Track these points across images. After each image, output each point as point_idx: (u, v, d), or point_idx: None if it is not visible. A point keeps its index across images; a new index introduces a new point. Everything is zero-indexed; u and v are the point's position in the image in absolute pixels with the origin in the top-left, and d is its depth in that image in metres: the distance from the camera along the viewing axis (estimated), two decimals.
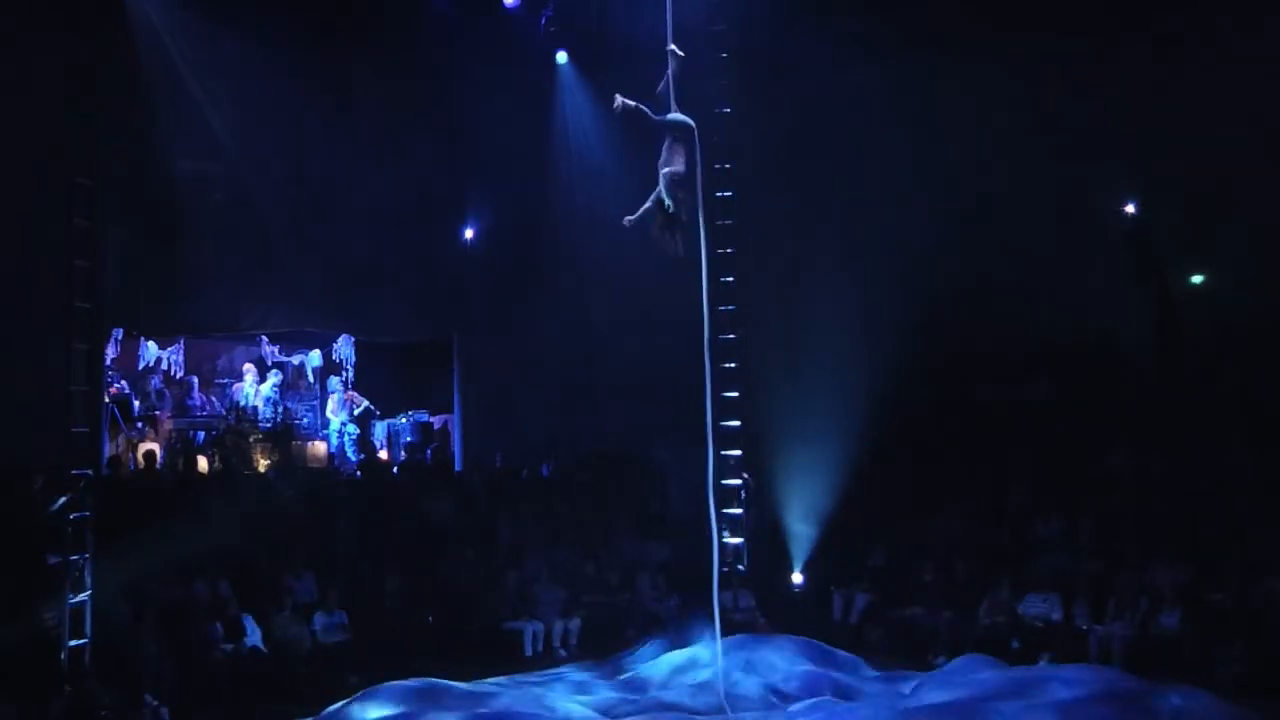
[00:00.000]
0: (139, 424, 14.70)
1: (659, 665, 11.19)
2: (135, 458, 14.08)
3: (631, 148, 15.37)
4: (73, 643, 9.84)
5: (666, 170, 8.69)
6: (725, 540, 13.42)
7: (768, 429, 13.82)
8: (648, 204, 8.77)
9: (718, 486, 10.47)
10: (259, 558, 12.09)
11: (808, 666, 10.62)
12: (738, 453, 12.82)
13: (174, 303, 14.26)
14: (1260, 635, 10.50)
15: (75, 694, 9.45)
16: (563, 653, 12.53)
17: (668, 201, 8.61)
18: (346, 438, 16.28)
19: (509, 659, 12.00)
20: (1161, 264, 15.44)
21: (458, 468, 16.16)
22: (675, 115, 8.82)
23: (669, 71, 8.99)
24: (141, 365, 15.45)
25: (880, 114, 14.71)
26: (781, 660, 10.74)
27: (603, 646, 12.46)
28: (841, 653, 11.25)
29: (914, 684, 10.15)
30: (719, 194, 12.77)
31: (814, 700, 9.66)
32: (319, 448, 15.77)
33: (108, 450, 13.52)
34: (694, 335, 9.57)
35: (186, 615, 10.94)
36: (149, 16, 13.09)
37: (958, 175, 14.38)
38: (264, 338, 16.23)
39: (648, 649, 11.92)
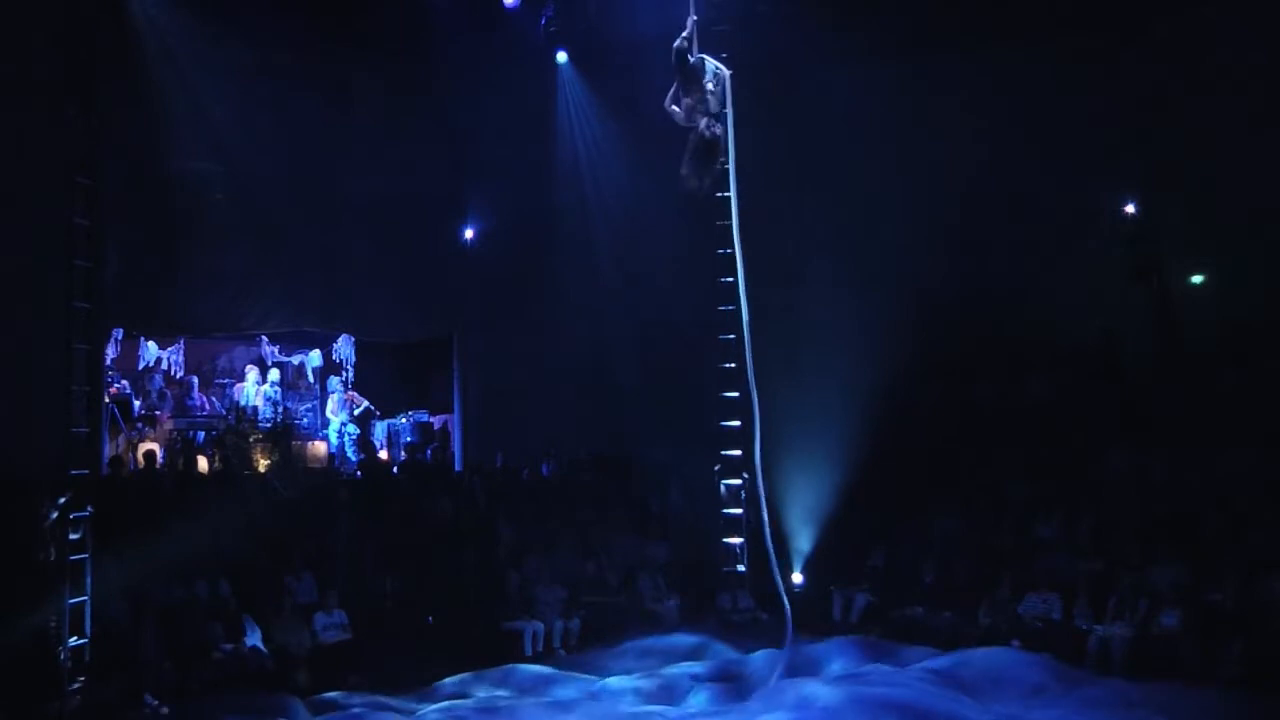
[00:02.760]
0: (139, 424, 14.69)
1: None
2: (135, 458, 14.06)
3: (631, 147, 15.47)
4: (73, 642, 9.85)
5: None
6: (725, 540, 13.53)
7: (767, 429, 13.80)
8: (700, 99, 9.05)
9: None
10: (259, 558, 12.09)
11: None
12: (738, 453, 12.81)
13: (174, 303, 14.27)
14: (1260, 635, 10.50)
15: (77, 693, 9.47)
16: (562, 653, 12.53)
17: (703, 126, 9.00)
18: (346, 438, 16.25)
19: (509, 659, 11.98)
20: (1161, 264, 15.43)
21: (458, 468, 16.14)
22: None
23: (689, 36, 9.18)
24: (141, 365, 15.43)
25: (880, 114, 14.73)
26: None
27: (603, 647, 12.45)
28: None
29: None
30: (719, 194, 12.75)
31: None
32: (319, 448, 15.75)
33: (108, 450, 13.50)
34: (694, 335, 9.57)
35: (186, 615, 10.95)
36: (149, 16, 13.10)
37: (958, 175, 14.38)
38: (264, 338, 16.20)
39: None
